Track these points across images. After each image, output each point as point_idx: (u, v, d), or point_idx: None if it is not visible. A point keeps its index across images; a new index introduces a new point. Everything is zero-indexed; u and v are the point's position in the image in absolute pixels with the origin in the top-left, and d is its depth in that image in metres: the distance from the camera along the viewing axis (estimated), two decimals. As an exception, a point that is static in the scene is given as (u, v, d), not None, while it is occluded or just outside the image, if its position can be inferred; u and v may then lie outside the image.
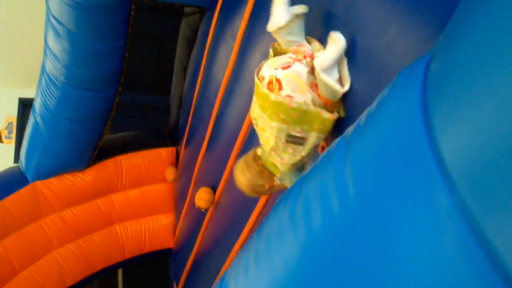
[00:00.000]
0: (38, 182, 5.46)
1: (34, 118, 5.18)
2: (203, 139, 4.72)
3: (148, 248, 6.32)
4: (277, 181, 2.06)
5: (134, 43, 4.83)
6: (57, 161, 5.41)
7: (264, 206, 3.38)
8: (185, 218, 5.73)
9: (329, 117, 1.78)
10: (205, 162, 4.77)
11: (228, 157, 3.99)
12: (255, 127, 2.01)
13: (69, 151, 5.30)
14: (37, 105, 5.11)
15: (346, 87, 1.79)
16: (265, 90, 1.80)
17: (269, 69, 1.87)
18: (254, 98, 1.92)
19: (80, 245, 5.81)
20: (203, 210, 4.48)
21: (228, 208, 4.10)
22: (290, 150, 1.89)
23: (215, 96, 4.22)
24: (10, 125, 8.62)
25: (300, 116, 1.78)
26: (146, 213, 6.26)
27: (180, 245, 5.98)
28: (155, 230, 6.29)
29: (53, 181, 5.53)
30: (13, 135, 8.53)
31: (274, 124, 1.81)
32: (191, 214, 5.44)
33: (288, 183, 2.02)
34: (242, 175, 2.16)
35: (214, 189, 4.36)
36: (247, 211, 3.58)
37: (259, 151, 2.11)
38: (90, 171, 5.72)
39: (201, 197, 4.33)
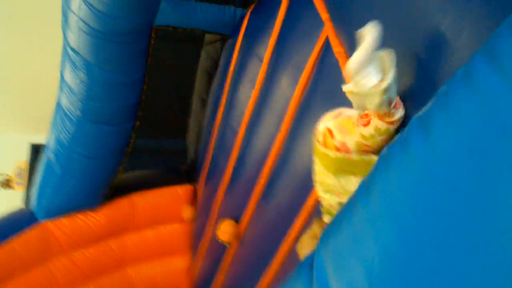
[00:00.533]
0: (48, 222, 5.19)
1: (47, 155, 4.99)
2: (224, 171, 4.50)
3: (162, 292, 6.00)
4: None
5: (152, 75, 4.70)
6: (70, 200, 5.16)
7: (294, 239, 3.13)
8: (202, 259, 5.44)
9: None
10: (227, 196, 4.53)
11: (253, 186, 3.77)
12: (318, 191, 1.85)
13: (82, 188, 5.06)
14: (50, 142, 4.92)
15: (385, 83, 1.44)
16: (322, 148, 1.67)
17: (323, 122, 1.75)
18: (316, 159, 1.77)
19: (90, 289, 5.50)
20: (227, 244, 4.21)
21: (253, 243, 3.84)
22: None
23: (239, 122, 4.03)
24: (21, 171, 8.45)
25: (366, 167, 1.58)
26: (161, 255, 5.94)
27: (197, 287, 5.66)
28: (170, 272, 5.97)
29: (64, 220, 5.27)
30: (24, 181, 8.33)
31: (341, 179, 1.65)
32: (209, 255, 5.15)
33: None
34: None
35: (237, 222, 4.11)
36: (275, 244, 3.33)
37: (326, 218, 1.91)
38: (103, 210, 5.45)
39: (225, 230, 4.07)
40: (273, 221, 3.42)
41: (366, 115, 1.57)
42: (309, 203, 2.85)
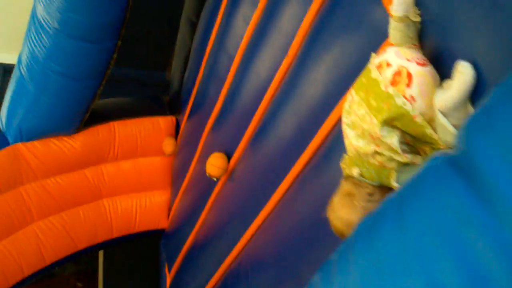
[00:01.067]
0: (19, 144, 4.79)
1: (20, 70, 4.54)
2: (215, 101, 4.13)
3: (138, 227, 5.70)
4: (395, 184, 1.57)
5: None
6: (43, 121, 4.75)
7: (293, 181, 2.81)
8: (184, 196, 5.13)
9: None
10: (217, 129, 4.18)
11: (249, 118, 3.42)
12: (343, 124, 1.69)
13: (57, 110, 4.65)
14: (23, 55, 4.48)
15: None
16: (391, 90, 1.50)
17: (400, 58, 1.54)
18: (360, 95, 1.61)
19: (63, 219, 5.16)
20: (214, 179, 3.89)
21: (246, 181, 3.52)
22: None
23: (237, 46, 3.63)
24: (-10, 92, 7.93)
25: (418, 134, 1.51)
26: (138, 188, 5.63)
27: (176, 225, 5.38)
28: (148, 208, 5.67)
29: (37, 144, 4.87)
30: (-7, 102, 7.83)
31: (384, 131, 1.52)
32: (192, 190, 4.84)
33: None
34: (350, 210, 1.64)
35: (228, 157, 3.78)
36: (271, 185, 3.02)
37: (355, 172, 1.68)
38: (79, 137, 5.07)
39: (215, 163, 3.73)
40: (271, 158, 3.10)
41: None
42: (316, 141, 2.52)
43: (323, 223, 2.39)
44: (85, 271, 7.51)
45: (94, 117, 5.14)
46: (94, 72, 4.52)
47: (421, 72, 1.49)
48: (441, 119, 1.42)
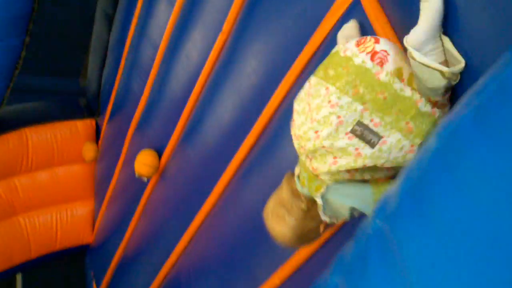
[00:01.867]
0: None
1: None
2: (139, 96, 3.77)
3: (59, 244, 5.19)
4: (318, 200, 1.45)
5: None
6: None
7: (231, 177, 2.54)
8: (110, 204, 4.70)
9: (429, 112, 1.33)
10: (143, 128, 3.81)
11: (179, 114, 3.11)
12: (294, 111, 1.47)
13: (-43, 117, 4.12)
14: None
15: (457, 68, 1.28)
16: (349, 53, 1.37)
17: (395, 58, 1.37)
18: (316, 75, 1.43)
19: (-28, 241, 4.60)
20: (145, 179, 3.52)
21: (180, 179, 3.19)
22: (351, 149, 1.35)
23: (162, 32, 3.30)
24: None
25: (387, 98, 1.33)
26: (58, 200, 5.12)
27: (103, 238, 4.92)
28: (69, 222, 5.17)
29: None
30: None
31: (344, 100, 1.34)
32: (119, 197, 4.43)
33: (335, 202, 1.45)
34: (282, 224, 1.52)
35: (159, 154, 3.43)
36: (211, 179, 2.72)
37: (296, 170, 1.56)
38: (-14, 147, 4.54)
39: (144, 162, 3.36)
40: (209, 148, 2.79)
41: None
42: (262, 121, 2.25)
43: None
44: (2, 298, 6.84)
45: (2, 125, 4.65)
46: (0, 72, 4.04)
47: (384, 39, 1.40)
48: (417, 57, 1.28)
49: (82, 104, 5.28)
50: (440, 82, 1.28)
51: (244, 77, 2.37)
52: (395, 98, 1.33)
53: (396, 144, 1.34)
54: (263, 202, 2.23)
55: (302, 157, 1.47)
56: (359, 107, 1.33)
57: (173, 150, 3.27)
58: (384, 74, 1.32)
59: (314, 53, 1.89)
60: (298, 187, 1.52)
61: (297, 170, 1.55)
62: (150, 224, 3.70)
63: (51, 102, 5.24)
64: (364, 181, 1.44)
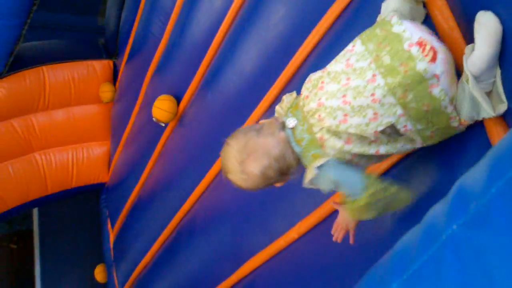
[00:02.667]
0: None
1: None
2: (159, 39, 3.69)
3: (75, 182, 5.25)
4: (312, 170, 1.36)
5: None
6: (-40, 66, 4.19)
7: (257, 121, 2.49)
8: (126, 146, 4.71)
9: (455, 127, 1.34)
10: (161, 72, 3.76)
11: (199, 61, 3.04)
12: (330, 74, 1.36)
13: (-25, 53, 4.08)
14: None
15: (501, 109, 1.27)
16: (415, 51, 1.25)
17: (420, 30, 1.30)
18: (363, 43, 1.33)
19: (-10, 176, 4.66)
20: (162, 125, 3.50)
21: (199, 125, 3.16)
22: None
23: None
24: None
25: (429, 111, 1.29)
26: (74, 139, 5.14)
27: (118, 178, 4.96)
28: (86, 161, 5.21)
29: (-45, 92, 4.32)
30: None
31: (389, 99, 1.28)
32: (135, 140, 4.43)
33: (324, 175, 1.37)
34: (258, 161, 1.39)
35: (178, 99, 3.39)
36: (230, 127, 2.66)
37: (291, 122, 1.42)
38: (4, 83, 4.53)
39: (162, 107, 3.33)
40: (229, 98, 2.75)
41: None
42: (287, 74, 2.19)
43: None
44: (20, 232, 7.01)
45: (20, 61, 4.58)
46: (18, 9, 3.95)
47: (444, 48, 1.29)
48: (471, 87, 1.26)
49: (100, 44, 5.21)
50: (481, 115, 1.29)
51: (270, 25, 2.29)
52: (437, 113, 1.30)
53: (412, 145, 1.38)
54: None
55: (313, 121, 1.38)
56: (399, 111, 1.29)
57: (192, 96, 3.22)
58: (438, 90, 1.27)
59: (348, 5, 1.81)
60: (292, 141, 1.41)
61: (291, 121, 1.42)
62: (167, 169, 3.71)
63: (69, 41, 5.18)
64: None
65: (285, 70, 2.18)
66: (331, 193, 1.55)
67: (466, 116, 1.31)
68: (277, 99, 2.29)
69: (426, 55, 1.25)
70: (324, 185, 1.40)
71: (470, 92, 1.26)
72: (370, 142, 1.35)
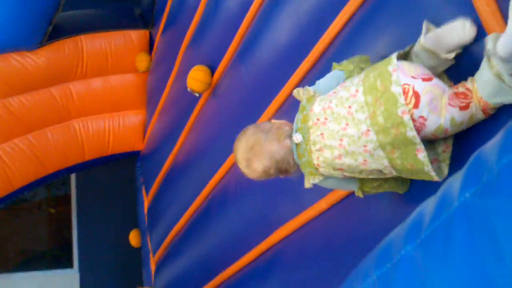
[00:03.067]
0: (-25, 59, 4.36)
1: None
2: (195, 10, 3.71)
3: (112, 149, 5.37)
4: (309, 182, 1.62)
5: None
6: (1, 34, 4.28)
7: (284, 101, 2.51)
8: (161, 115, 4.79)
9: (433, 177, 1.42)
10: (196, 42, 3.79)
11: (234, 31, 3.06)
12: (327, 109, 1.51)
13: (16, 20, 4.16)
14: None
15: None
16: (406, 119, 1.36)
17: (405, 75, 1.40)
18: (364, 93, 1.44)
19: (30, 142, 4.80)
20: (196, 95, 3.56)
21: (232, 96, 3.20)
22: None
23: None
24: None
25: (412, 170, 1.44)
26: (111, 108, 5.25)
27: (153, 147, 5.07)
28: (122, 129, 5.32)
29: (-4, 60, 4.44)
30: None
31: (378, 153, 1.43)
32: (170, 109, 4.50)
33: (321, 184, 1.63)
34: (269, 154, 1.57)
35: (212, 70, 3.43)
36: (264, 98, 2.70)
37: (297, 136, 1.57)
38: (43, 52, 4.63)
39: (197, 77, 3.38)
40: (264, 69, 2.77)
41: (465, 95, 1.39)
42: (321, 46, 2.20)
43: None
44: (58, 196, 7.24)
45: (59, 30, 4.67)
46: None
47: (428, 88, 1.38)
48: (500, 68, 1.28)
49: (137, 14, 5.27)
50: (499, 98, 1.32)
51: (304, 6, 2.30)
52: (419, 172, 1.42)
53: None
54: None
55: (314, 148, 1.53)
56: (386, 163, 1.44)
57: (226, 67, 3.25)
58: (423, 156, 1.36)
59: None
60: (294, 153, 1.57)
61: (298, 137, 1.56)
62: (200, 138, 3.77)
63: (106, 11, 5.24)
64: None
65: (319, 43, 2.18)
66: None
67: (492, 101, 1.34)
68: (309, 73, 2.31)
69: (407, 103, 1.35)
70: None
71: (498, 71, 1.28)
72: (361, 171, 1.52)
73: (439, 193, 0.89)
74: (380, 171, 1.50)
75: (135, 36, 5.11)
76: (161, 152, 4.69)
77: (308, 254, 2.33)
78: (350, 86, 1.49)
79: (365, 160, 1.46)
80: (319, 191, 2.20)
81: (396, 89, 1.37)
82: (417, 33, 1.53)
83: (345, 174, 1.54)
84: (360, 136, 1.43)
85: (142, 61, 5.08)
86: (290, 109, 2.48)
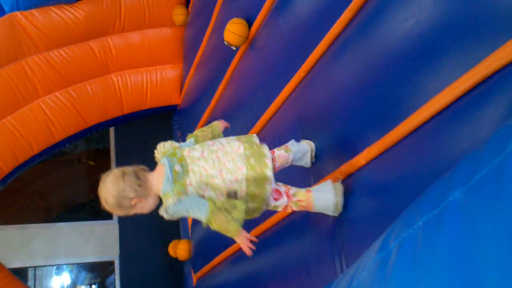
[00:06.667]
0: (17, 13, 4.41)
1: None
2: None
3: (149, 103, 5.43)
4: (173, 198, 2.02)
5: None
6: (40, -13, 4.34)
7: (323, 52, 2.47)
8: (198, 69, 4.79)
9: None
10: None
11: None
12: (213, 150, 2.15)
13: (55, -27, 4.20)
14: None
15: None
16: (269, 163, 2.14)
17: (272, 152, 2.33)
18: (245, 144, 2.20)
19: (70, 95, 4.88)
20: (233, 48, 3.53)
21: (270, 49, 3.17)
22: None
23: None
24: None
25: (256, 194, 2.13)
26: (148, 62, 5.28)
27: (190, 101, 5.10)
28: (159, 83, 5.35)
29: (36, 13, 4.49)
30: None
31: (242, 186, 2.09)
32: (207, 63, 4.50)
33: (182, 205, 2.04)
34: (113, 183, 2.03)
35: (249, 23, 3.39)
36: (302, 51, 2.67)
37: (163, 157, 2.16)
38: (81, 5, 4.68)
39: (234, 30, 3.35)
40: (302, 21, 2.72)
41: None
42: (349, 12, 2.15)
43: (370, 89, 2.10)
44: (97, 149, 7.40)
45: (97, -16, 4.70)
46: None
47: (280, 159, 2.36)
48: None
49: (174, -34, 5.21)
50: None
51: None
52: (261, 199, 2.14)
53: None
54: (354, 80, 2.22)
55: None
56: (244, 187, 2.09)
57: (263, 20, 3.21)
58: (269, 187, 2.14)
59: None
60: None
61: (178, 168, 2.06)
62: (237, 92, 3.77)
63: (143, -37, 5.20)
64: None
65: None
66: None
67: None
68: (350, 24, 2.26)
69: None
70: (177, 212, 2.05)
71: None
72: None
73: (488, 140, 0.88)
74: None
75: (172, -11, 5.08)
76: (198, 106, 4.71)
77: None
78: (231, 142, 2.19)
79: (230, 182, 2.06)
80: (358, 146, 2.19)
81: (265, 151, 2.16)
82: None
83: (206, 193, 2.04)
84: (236, 169, 2.08)
85: (179, 14, 5.06)
86: (329, 60, 2.45)
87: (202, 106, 4.51)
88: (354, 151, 2.19)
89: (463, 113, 1.61)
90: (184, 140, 5.38)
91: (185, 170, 2.04)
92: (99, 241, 6.62)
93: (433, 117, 1.73)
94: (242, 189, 2.05)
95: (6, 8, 4.41)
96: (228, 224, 1.99)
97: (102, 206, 2.06)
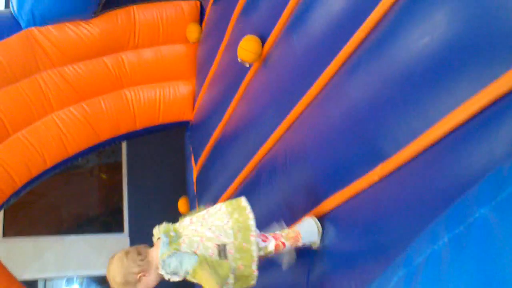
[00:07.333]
0: (33, 29, 4.49)
1: None
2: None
3: (162, 119, 5.45)
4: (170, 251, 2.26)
5: None
6: (57, 4, 4.40)
7: (337, 70, 2.48)
8: (210, 85, 4.83)
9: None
10: (247, 12, 3.79)
11: (286, 1, 3.03)
12: (200, 215, 2.47)
13: (72, -9, 4.27)
14: None
15: None
16: (250, 214, 2.40)
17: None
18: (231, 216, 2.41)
19: (84, 109, 4.93)
20: (246, 65, 3.56)
21: (283, 67, 3.19)
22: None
23: None
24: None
25: (243, 248, 2.33)
26: (162, 78, 5.32)
27: (202, 117, 5.13)
28: (172, 98, 5.39)
29: (52, 29, 4.56)
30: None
31: (231, 255, 2.30)
32: (220, 79, 4.53)
33: (178, 260, 2.25)
34: (118, 263, 2.27)
35: (262, 40, 3.42)
36: (315, 68, 2.68)
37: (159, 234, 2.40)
38: (97, 22, 4.74)
39: (247, 48, 3.38)
40: (315, 39, 2.74)
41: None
42: (376, 15, 2.16)
43: (384, 106, 2.11)
44: (109, 163, 7.46)
45: (111, 1, 4.76)
46: None
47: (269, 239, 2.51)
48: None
49: (188, -17, 5.28)
50: None
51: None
52: (247, 254, 2.33)
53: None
54: (368, 99, 2.22)
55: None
56: (233, 265, 2.30)
57: (277, 38, 3.24)
58: (255, 241, 2.36)
59: None
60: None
61: (173, 234, 2.34)
62: (249, 109, 3.79)
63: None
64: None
65: (375, 11, 2.14)
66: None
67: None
68: (363, 42, 2.28)
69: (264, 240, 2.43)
70: (175, 269, 2.23)
71: None
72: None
73: None
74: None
75: (186, 7, 5.13)
76: (210, 122, 4.74)
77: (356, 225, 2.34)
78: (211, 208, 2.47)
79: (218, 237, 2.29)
80: (369, 164, 2.20)
81: (251, 218, 2.37)
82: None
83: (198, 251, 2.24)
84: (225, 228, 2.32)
85: (193, 31, 5.11)
86: (342, 78, 2.46)
87: (214, 122, 4.54)
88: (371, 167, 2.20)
89: (477, 132, 1.61)
90: (195, 154, 5.40)
91: (178, 234, 2.32)
92: (110, 253, 6.60)
93: (445, 136, 1.73)
94: (230, 241, 2.28)
95: (22, 24, 4.48)
96: (210, 277, 2.16)
97: (111, 286, 2.28)
